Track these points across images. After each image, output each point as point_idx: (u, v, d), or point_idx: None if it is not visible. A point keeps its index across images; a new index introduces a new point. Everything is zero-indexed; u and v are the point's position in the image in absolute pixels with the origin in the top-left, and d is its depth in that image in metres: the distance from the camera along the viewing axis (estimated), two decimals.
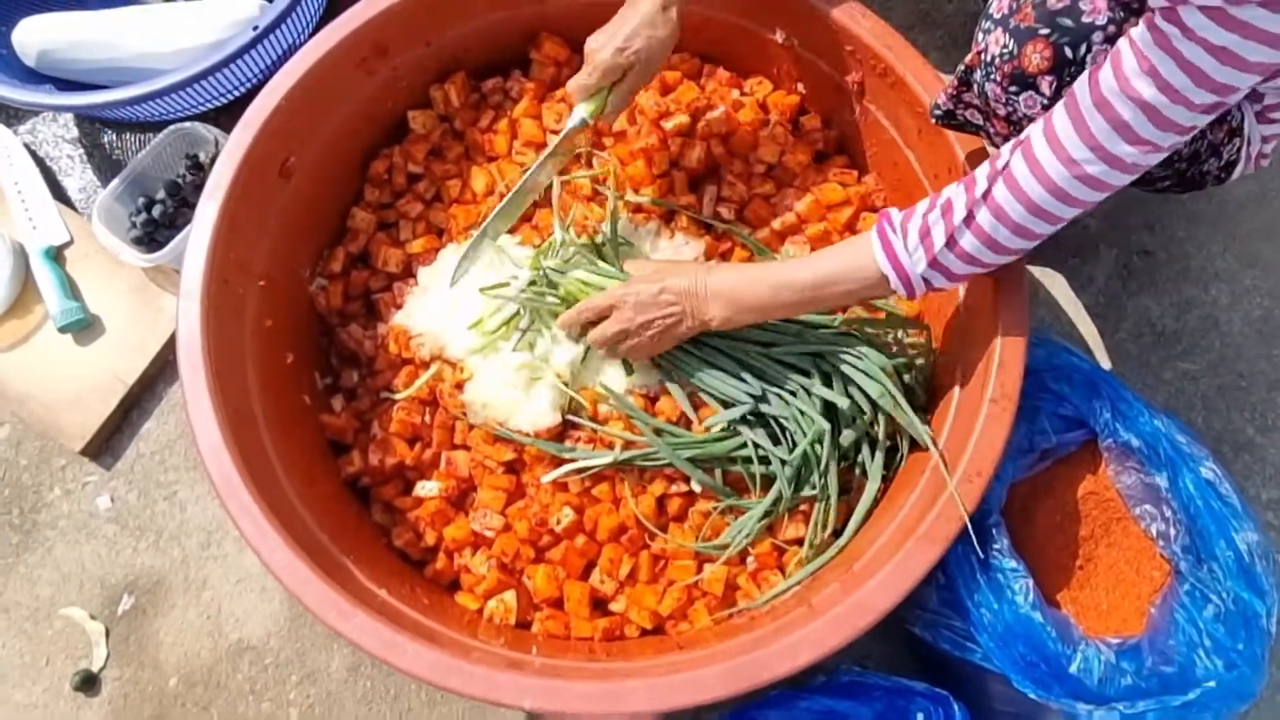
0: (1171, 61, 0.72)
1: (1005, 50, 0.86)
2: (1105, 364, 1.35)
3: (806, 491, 1.06)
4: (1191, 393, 1.34)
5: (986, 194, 0.85)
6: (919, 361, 1.12)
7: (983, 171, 0.86)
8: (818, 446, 1.05)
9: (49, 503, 1.36)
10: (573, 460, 1.09)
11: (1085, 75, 0.79)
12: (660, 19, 1.04)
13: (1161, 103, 0.74)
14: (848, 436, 1.06)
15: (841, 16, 1.13)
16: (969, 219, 0.86)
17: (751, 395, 1.06)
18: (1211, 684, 0.89)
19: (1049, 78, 0.85)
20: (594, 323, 1.06)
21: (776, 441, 1.06)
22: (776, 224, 1.20)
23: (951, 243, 0.88)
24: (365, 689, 1.25)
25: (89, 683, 1.27)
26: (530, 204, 1.17)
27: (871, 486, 1.06)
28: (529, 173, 1.12)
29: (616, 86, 1.07)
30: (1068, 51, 0.83)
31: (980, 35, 0.90)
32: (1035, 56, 0.84)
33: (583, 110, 1.07)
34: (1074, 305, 1.38)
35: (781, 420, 1.07)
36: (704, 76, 1.29)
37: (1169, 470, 1.00)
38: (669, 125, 1.21)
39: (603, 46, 1.04)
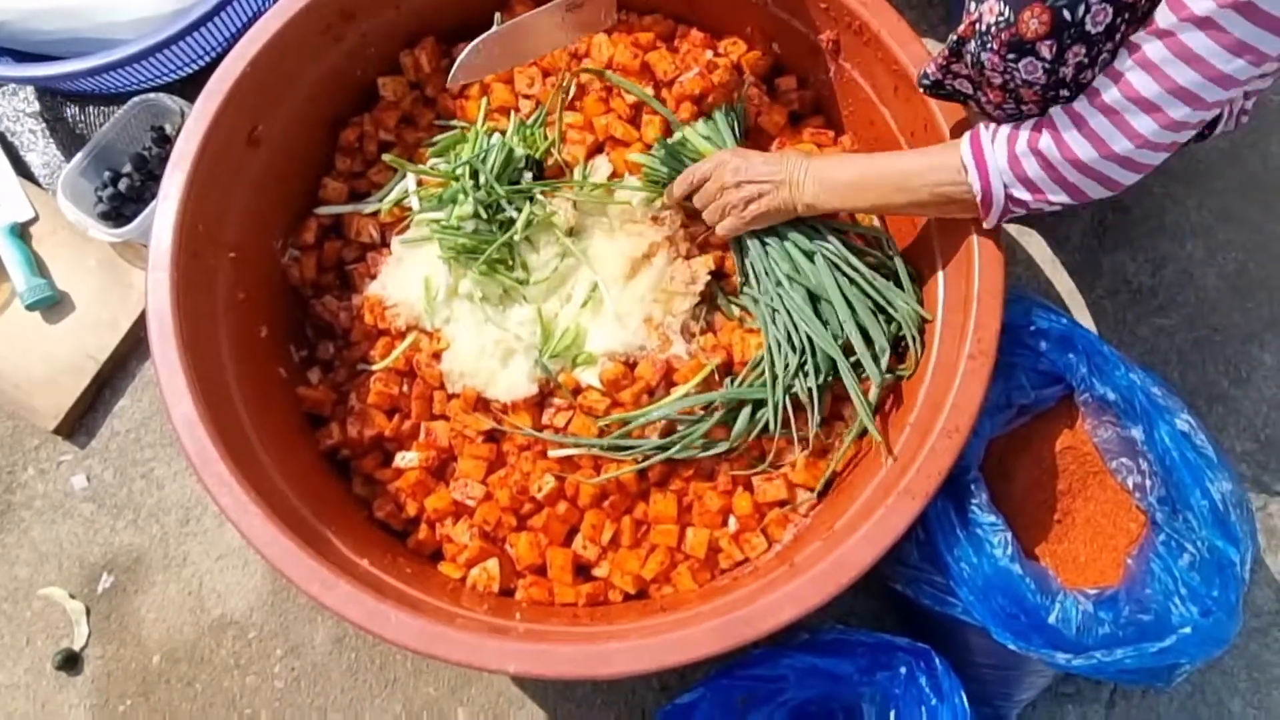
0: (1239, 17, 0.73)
1: (1001, 18, 0.84)
2: (1083, 320, 1.36)
3: (742, 425, 1.07)
4: (1167, 347, 1.35)
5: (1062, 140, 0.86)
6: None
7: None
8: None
9: (23, 483, 1.35)
10: (558, 443, 1.09)
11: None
12: None
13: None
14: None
15: None
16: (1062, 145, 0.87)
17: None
18: (1187, 630, 0.90)
19: (1049, 42, 0.83)
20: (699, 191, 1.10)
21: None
22: None
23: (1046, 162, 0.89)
24: (350, 660, 1.25)
25: (71, 662, 1.26)
26: (532, 59, 1.17)
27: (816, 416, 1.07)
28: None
29: None
30: (1066, 14, 0.81)
31: (973, 4, 0.88)
32: (1033, 22, 0.82)
33: None
34: (1051, 263, 1.38)
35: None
36: (677, 38, 1.27)
37: (1145, 423, 1.01)
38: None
39: None
